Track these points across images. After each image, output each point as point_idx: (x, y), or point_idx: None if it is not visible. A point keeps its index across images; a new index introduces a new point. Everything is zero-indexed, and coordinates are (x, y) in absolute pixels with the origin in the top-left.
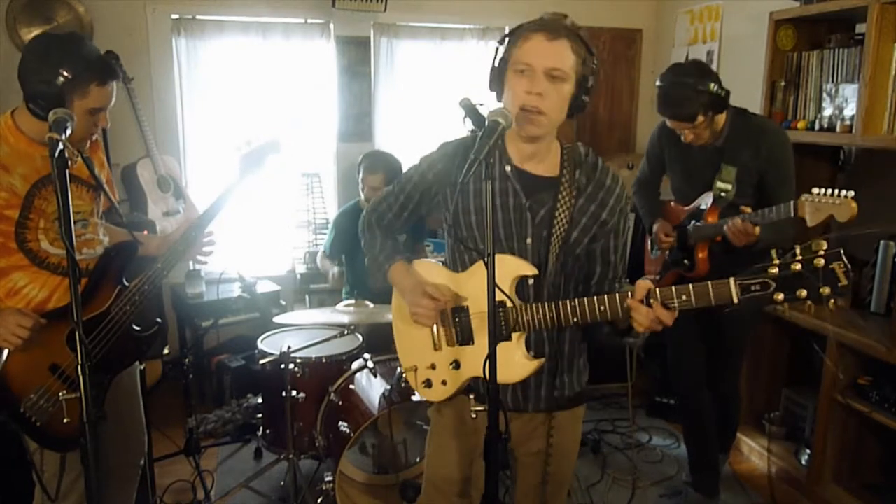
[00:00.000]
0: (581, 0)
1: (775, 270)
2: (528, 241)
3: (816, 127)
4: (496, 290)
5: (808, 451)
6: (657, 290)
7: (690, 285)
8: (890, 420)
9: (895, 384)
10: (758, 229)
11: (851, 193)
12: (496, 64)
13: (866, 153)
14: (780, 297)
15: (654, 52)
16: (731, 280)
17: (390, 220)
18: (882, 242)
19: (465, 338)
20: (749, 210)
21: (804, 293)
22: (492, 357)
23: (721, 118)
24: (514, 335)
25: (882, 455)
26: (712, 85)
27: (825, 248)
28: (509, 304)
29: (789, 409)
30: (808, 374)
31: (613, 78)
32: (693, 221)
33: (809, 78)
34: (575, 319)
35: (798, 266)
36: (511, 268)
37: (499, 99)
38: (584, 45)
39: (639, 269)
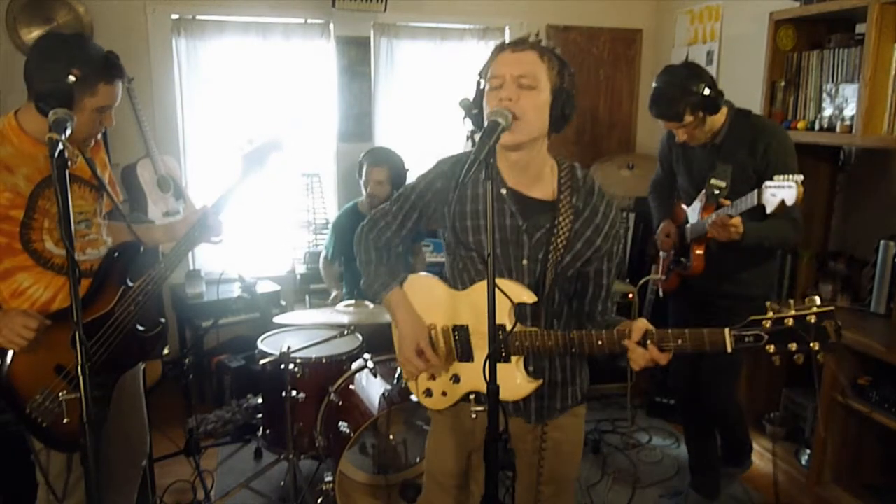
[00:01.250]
0: (581, 0)
1: (769, 324)
2: (525, 262)
3: (816, 127)
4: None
5: (808, 451)
6: (654, 332)
7: (686, 331)
8: (890, 420)
9: (895, 384)
10: (738, 220)
11: (800, 178)
12: (476, 93)
13: (866, 153)
14: (772, 349)
15: (654, 52)
16: (727, 330)
17: (388, 237)
18: (882, 242)
19: (465, 356)
20: (728, 203)
21: (794, 347)
22: (492, 357)
23: (717, 118)
24: (514, 358)
25: (882, 455)
26: (702, 85)
27: (818, 304)
28: (509, 328)
29: (789, 409)
30: (808, 374)
31: (613, 78)
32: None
33: (809, 78)
34: (573, 350)
35: (790, 322)
36: (511, 294)
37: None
38: (556, 57)
39: (639, 269)
